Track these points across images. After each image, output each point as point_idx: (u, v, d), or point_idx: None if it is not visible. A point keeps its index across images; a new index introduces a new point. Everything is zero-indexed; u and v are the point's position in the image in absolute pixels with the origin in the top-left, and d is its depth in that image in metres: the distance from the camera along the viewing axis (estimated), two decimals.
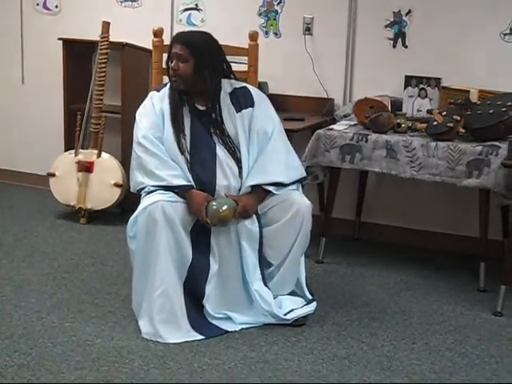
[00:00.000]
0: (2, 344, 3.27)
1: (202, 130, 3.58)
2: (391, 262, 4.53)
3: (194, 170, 3.52)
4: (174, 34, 3.74)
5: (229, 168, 3.54)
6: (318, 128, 4.37)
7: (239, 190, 3.56)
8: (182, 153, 3.52)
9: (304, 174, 3.71)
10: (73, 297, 3.84)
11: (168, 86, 3.65)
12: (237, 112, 3.62)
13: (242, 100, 3.65)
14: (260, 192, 3.55)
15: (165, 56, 4.22)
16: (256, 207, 3.53)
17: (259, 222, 3.53)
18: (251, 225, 3.51)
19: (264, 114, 3.66)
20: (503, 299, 3.81)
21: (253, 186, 3.54)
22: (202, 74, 3.55)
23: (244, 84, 3.76)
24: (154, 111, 3.61)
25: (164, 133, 3.57)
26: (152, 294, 3.40)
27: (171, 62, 3.56)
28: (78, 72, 5.50)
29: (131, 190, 3.70)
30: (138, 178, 3.55)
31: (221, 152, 3.55)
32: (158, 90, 3.70)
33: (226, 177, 3.54)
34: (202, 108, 3.61)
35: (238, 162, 3.56)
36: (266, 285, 3.56)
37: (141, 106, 3.70)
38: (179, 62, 3.53)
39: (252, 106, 3.65)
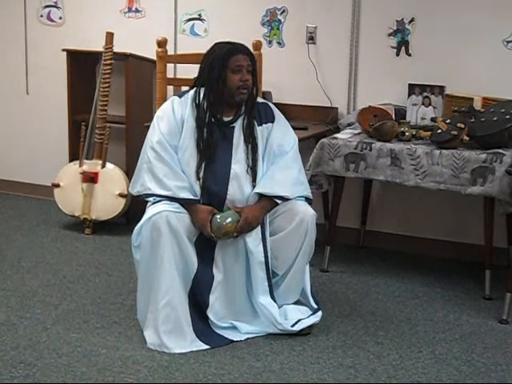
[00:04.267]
0: (8, 355, 3.27)
1: (220, 140, 3.56)
2: (396, 271, 4.53)
3: (205, 180, 3.50)
4: (224, 44, 3.57)
5: (243, 182, 3.52)
6: (321, 137, 4.37)
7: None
8: (199, 166, 3.50)
9: (310, 196, 3.67)
10: (78, 307, 3.84)
11: (191, 93, 3.61)
12: (259, 125, 3.62)
13: (263, 114, 3.65)
14: (266, 202, 3.53)
15: (169, 66, 4.26)
16: (260, 218, 3.51)
17: (264, 237, 3.51)
18: (255, 247, 3.49)
19: (283, 131, 3.66)
20: (509, 307, 3.80)
21: (260, 196, 3.53)
22: (255, 84, 3.58)
23: (264, 100, 3.80)
24: (173, 117, 3.56)
25: (180, 141, 3.55)
26: (157, 304, 3.39)
27: (238, 74, 3.49)
28: (82, 83, 5.52)
29: (131, 191, 3.64)
30: (146, 183, 3.51)
31: (236, 165, 3.53)
32: (180, 96, 3.64)
33: (238, 191, 3.52)
34: (226, 119, 3.59)
35: (255, 174, 3.55)
36: (272, 297, 3.55)
37: (159, 110, 3.65)
38: (248, 74, 3.53)
39: (272, 121, 3.65)
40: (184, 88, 3.93)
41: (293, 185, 3.58)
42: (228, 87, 3.51)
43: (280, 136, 3.64)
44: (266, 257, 3.51)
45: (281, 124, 3.68)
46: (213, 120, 3.56)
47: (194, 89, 3.61)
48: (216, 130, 3.56)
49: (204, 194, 3.50)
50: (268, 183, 3.54)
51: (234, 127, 3.59)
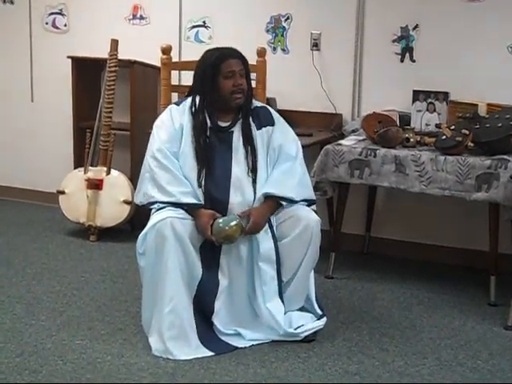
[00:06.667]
0: (13, 362, 3.27)
1: (218, 146, 3.57)
2: (401, 277, 4.52)
3: (206, 187, 3.50)
4: (213, 51, 3.60)
5: (244, 186, 3.52)
6: (326, 143, 4.37)
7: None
8: (199, 174, 3.50)
9: (314, 198, 3.68)
10: (83, 314, 3.84)
11: (188, 100, 3.62)
12: (257, 129, 3.61)
13: (262, 118, 3.65)
14: (273, 202, 3.52)
15: (173, 73, 4.27)
16: (266, 218, 3.50)
17: (274, 236, 3.51)
18: (265, 242, 3.49)
19: (285, 134, 3.66)
20: None
21: (266, 197, 3.51)
22: (250, 88, 3.58)
23: (263, 104, 3.79)
24: (172, 125, 3.58)
25: (181, 148, 3.55)
26: (162, 310, 3.40)
27: (231, 79, 3.50)
28: (87, 90, 5.53)
29: (135, 201, 3.66)
30: (149, 191, 3.52)
31: (237, 169, 3.53)
32: (178, 104, 3.66)
33: (240, 194, 3.52)
34: (224, 124, 3.60)
35: (255, 178, 3.55)
36: (281, 298, 3.53)
37: (158, 119, 3.66)
38: (241, 78, 3.53)
39: (272, 124, 3.64)
40: None
41: (298, 187, 3.58)
42: (222, 93, 3.53)
43: (282, 137, 3.63)
44: (277, 255, 3.50)
45: (281, 126, 3.68)
46: (211, 126, 3.57)
47: (191, 97, 3.62)
48: (214, 136, 3.57)
49: (206, 200, 3.50)
50: (275, 185, 3.53)
51: (232, 132, 3.59)
